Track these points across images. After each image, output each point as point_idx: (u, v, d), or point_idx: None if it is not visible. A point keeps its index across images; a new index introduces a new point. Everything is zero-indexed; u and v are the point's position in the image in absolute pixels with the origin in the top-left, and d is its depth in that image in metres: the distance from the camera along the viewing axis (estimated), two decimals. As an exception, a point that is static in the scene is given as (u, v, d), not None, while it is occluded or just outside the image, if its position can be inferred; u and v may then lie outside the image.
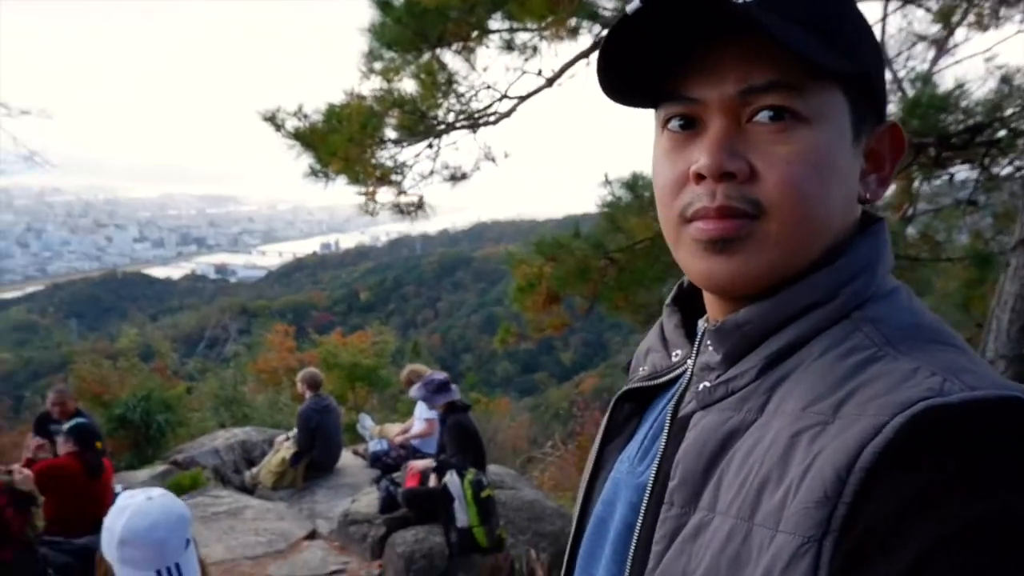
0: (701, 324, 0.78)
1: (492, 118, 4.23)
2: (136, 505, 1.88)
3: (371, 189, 4.23)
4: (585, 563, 0.79)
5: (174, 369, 10.91)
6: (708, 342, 0.73)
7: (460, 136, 4.28)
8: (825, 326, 0.66)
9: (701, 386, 0.71)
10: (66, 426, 5.26)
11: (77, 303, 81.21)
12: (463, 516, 4.62)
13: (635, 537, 0.70)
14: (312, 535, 5.88)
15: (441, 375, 5.75)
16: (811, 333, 0.66)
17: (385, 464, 6.91)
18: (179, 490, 6.72)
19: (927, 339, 0.63)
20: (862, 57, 0.67)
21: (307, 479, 7.05)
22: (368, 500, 5.70)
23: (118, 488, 5.98)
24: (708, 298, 0.76)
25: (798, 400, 0.61)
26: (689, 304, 0.82)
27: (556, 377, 38.41)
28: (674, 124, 0.69)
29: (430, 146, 4.23)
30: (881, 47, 0.73)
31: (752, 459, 0.61)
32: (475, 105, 4.18)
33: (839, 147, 0.67)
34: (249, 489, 7.15)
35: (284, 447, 7.25)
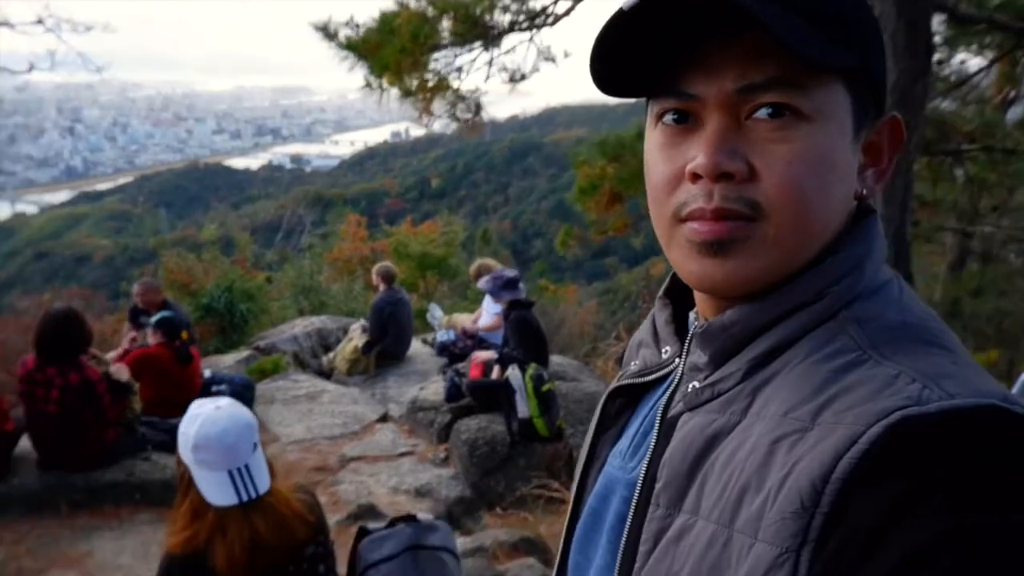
0: (692, 317, 0.78)
1: (550, 19, 4.00)
2: (206, 414, 2.01)
3: (424, 100, 4.13)
4: (581, 546, 0.81)
5: (252, 261, 11.38)
6: (695, 343, 0.72)
7: (518, 38, 4.09)
8: (811, 327, 0.65)
9: (689, 387, 0.71)
10: (153, 319, 5.63)
11: (165, 193, 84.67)
12: (524, 407, 4.79)
13: (624, 534, 0.71)
14: (384, 418, 6.23)
15: (511, 272, 5.79)
16: (797, 334, 0.65)
17: (452, 354, 7.16)
18: (261, 374, 7.18)
19: (913, 339, 0.61)
20: (866, 48, 0.65)
21: (379, 366, 7.40)
22: (435, 388, 5.97)
23: (207, 372, 6.43)
24: (698, 295, 0.75)
25: (780, 404, 0.61)
26: (683, 295, 0.81)
27: (626, 262, 38.25)
28: (669, 118, 0.67)
29: (486, 49, 4.06)
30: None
31: (734, 463, 0.61)
32: (532, 5, 3.94)
33: (840, 145, 0.65)
34: (326, 374, 7.57)
35: (357, 335, 7.58)
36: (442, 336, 7.53)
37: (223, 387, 6.22)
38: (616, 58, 0.66)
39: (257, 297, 9.81)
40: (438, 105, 4.22)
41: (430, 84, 4.03)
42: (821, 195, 0.64)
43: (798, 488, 0.54)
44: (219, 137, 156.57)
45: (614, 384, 0.84)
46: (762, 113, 0.62)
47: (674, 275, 0.82)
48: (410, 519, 2.65)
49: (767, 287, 0.66)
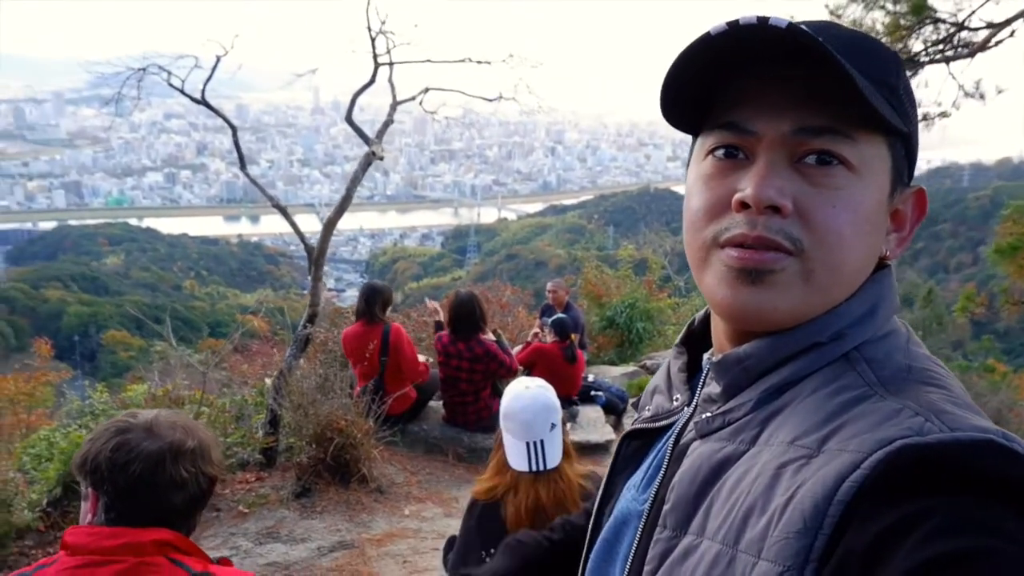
0: (706, 358, 0.80)
1: (965, 50, 3.47)
2: (515, 391, 2.38)
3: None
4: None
5: (659, 283, 11.95)
6: (711, 374, 0.75)
7: (931, 72, 3.62)
8: (822, 365, 0.67)
9: (702, 416, 0.73)
10: (551, 319, 6.45)
11: (616, 212, 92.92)
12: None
13: (631, 557, 0.74)
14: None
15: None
16: (808, 371, 0.67)
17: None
18: (639, 390, 7.61)
19: (917, 380, 0.64)
20: (910, 120, 0.69)
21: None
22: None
23: (590, 376, 7.09)
24: (718, 330, 0.77)
25: (788, 433, 0.63)
26: (699, 345, 0.84)
27: None
28: (720, 152, 0.70)
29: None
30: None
31: (740, 488, 0.63)
32: (960, 33, 3.46)
33: (877, 200, 0.68)
34: (699, 404, 7.64)
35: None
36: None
37: (600, 393, 6.80)
38: (686, 85, 0.69)
39: (656, 318, 10.32)
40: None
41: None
42: (856, 242, 0.66)
43: (801, 509, 0.56)
44: (673, 164, 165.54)
45: (628, 429, 0.88)
46: (811, 159, 0.66)
47: (690, 323, 0.86)
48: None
49: (790, 324, 0.68)
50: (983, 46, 3.42)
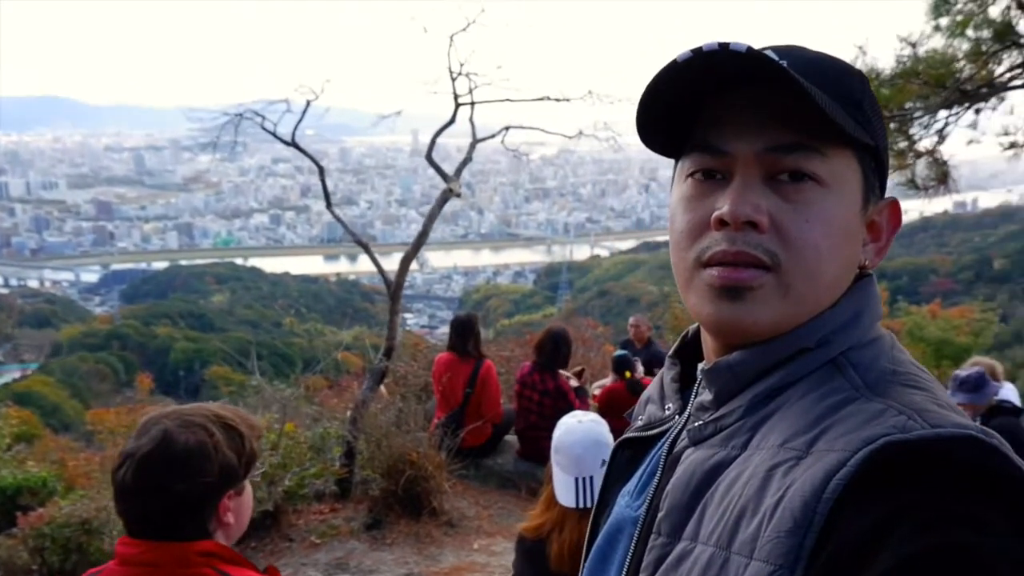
0: (700, 368, 0.81)
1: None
2: (568, 424, 2.34)
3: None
4: None
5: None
6: (703, 382, 0.77)
7: (1017, 97, 3.45)
8: (810, 370, 0.69)
9: (695, 424, 0.75)
10: (615, 353, 6.32)
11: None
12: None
13: (627, 563, 0.75)
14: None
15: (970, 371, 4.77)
16: (797, 376, 0.69)
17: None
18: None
19: (901, 383, 0.65)
20: (877, 133, 0.72)
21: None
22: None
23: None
24: (707, 344, 0.79)
25: (778, 436, 0.65)
26: (692, 356, 0.85)
27: None
28: (699, 175, 0.73)
29: (977, 112, 3.53)
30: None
31: (733, 491, 0.64)
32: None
33: (850, 212, 0.71)
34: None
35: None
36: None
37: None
38: (660, 111, 0.72)
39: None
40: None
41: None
42: (832, 254, 0.69)
43: (791, 508, 0.58)
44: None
45: (621, 438, 0.89)
46: (785, 176, 0.69)
47: (684, 336, 0.87)
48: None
49: (773, 335, 0.70)
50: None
